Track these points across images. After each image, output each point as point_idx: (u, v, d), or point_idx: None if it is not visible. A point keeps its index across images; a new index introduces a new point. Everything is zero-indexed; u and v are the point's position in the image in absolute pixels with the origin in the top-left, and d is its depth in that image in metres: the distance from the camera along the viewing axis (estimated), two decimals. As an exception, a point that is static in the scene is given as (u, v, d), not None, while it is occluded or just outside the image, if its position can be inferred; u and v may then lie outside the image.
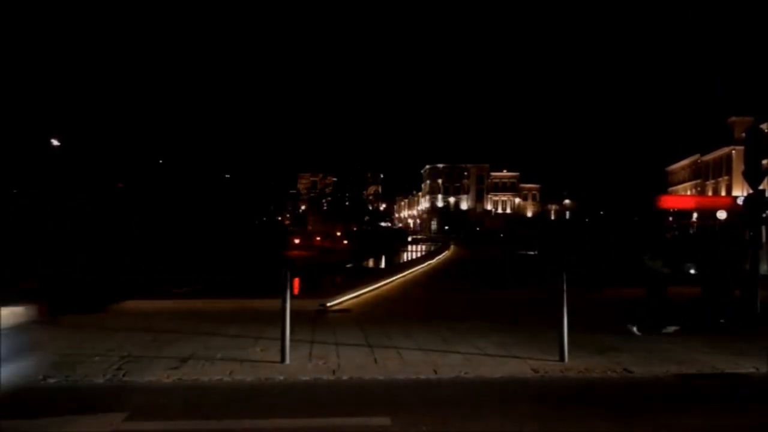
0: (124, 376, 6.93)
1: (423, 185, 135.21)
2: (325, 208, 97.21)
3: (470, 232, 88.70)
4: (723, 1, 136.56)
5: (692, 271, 14.18)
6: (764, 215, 11.47)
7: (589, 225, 68.69)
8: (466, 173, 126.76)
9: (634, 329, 9.65)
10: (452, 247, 50.93)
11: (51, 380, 6.68)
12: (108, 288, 15.47)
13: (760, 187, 11.49)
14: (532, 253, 42.84)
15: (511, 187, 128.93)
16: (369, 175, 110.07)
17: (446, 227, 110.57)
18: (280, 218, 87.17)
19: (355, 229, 78.64)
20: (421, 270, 25.69)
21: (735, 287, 11.05)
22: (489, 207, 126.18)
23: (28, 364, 5.15)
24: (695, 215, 39.87)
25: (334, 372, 7.17)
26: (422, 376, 7.06)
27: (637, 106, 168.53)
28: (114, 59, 71.07)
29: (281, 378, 6.94)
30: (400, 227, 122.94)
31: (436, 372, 7.23)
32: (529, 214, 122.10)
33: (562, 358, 7.68)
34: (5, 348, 4.72)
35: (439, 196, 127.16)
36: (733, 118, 63.83)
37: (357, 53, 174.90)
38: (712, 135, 69.75)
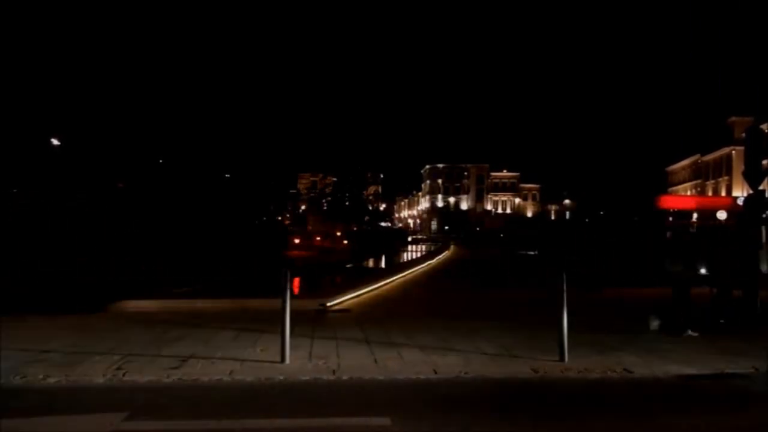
0: (124, 375, 6.92)
1: (423, 185, 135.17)
2: (325, 208, 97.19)
3: (470, 232, 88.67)
4: (723, 1, 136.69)
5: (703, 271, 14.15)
6: (764, 215, 11.45)
7: (589, 225, 68.69)
8: (466, 173, 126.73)
9: (656, 324, 9.57)
10: (452, 247, 50.89)
11: (51, 380, 6.68)
12: (108, 288, 15.46)
13: (760, 188, 11.48)
14: (532, 253, 42.81)
15: (511, 187, 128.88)
16: (369, 175, 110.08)
17: (446, 227, 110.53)
18: (280, 218, 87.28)
19: (355, 229, 78.64)
20: (421, 270, 25.68)
21: (736, 287, 11.04)
22: (489, 207, 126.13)
23: None
24: (695, 215, 39.85)
25: (334, 372, 7.17)
26: (422, 376, 7.06)
27: (637, 107, 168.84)
28: (114, 59, 71.21)
29: (281, 378, 6.93)
30: (400, 227, 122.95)
31: (436, 372, 7.22)
32: (529, 214, 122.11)
33: (562, 358, 7.68)
34: None
35: (439, 196, 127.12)
36: (733, 118, 63.93)
37: (357, 53, 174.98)
38: (712, 135, 69.95)
